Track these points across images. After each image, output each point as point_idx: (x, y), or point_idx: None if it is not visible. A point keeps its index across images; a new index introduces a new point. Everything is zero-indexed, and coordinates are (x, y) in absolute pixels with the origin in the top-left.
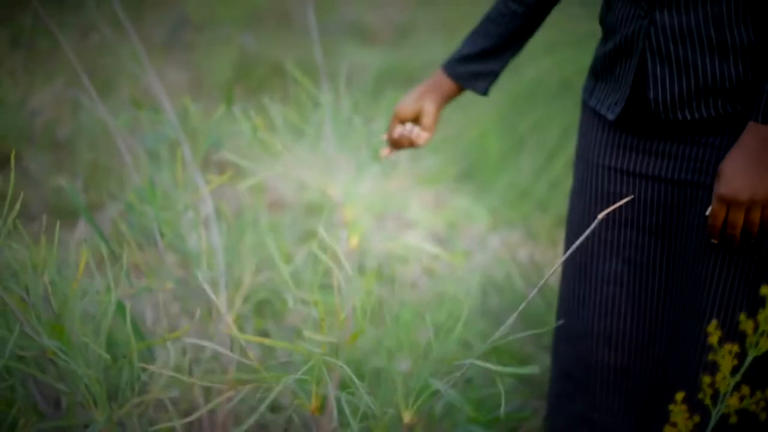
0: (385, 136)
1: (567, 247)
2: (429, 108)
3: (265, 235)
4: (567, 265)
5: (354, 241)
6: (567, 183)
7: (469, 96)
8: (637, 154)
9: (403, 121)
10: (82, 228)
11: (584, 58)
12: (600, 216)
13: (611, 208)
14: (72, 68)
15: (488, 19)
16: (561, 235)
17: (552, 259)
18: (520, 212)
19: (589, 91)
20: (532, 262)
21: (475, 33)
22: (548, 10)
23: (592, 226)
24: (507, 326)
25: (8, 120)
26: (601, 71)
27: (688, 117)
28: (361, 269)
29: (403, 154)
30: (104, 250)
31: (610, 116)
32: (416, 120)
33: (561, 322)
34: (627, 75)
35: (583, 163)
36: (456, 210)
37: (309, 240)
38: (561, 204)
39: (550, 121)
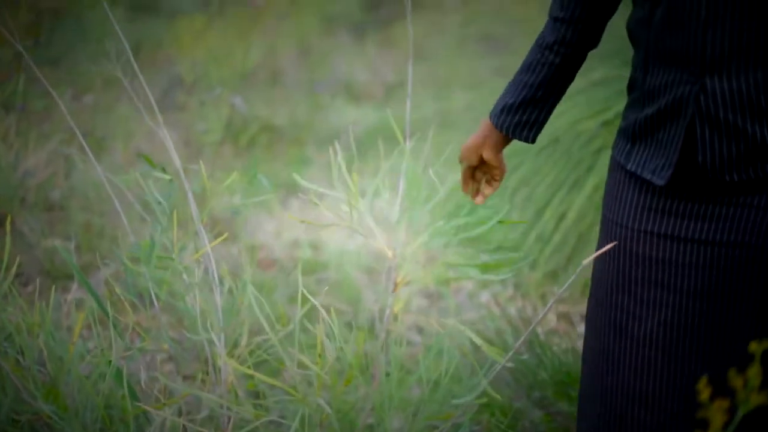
0: (463, 183)
1: (590, 306)
2: (489, 156)
3: (259, 296)
4: (600, 322)
5: (398, 306)
6: (556, 238)
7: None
8: (678, 219)
9: (472, 166)
10: (76, 290)
11: (572, 114)
12: (584, 262)
13: (595, 255)
14: (65, 129)
15: (524, 69)
16: (550, 290)
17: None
18: (510, 268)
19: (624, 154)
20: (522, 318)
21: (513, 83)
22: (584, 58)
23: (578, 271)
24: (494, 371)
25: (1, 182)
26: (640, 135)
27: (736, 178)
28: (350, 325)
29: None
30: (99, 313)
31: (660, 182)
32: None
33: (591, 379)
34: (675, 139)
35: (614, 226)
36: (446, 265)
37: (303, 299)
38: (550, 259)
39: (538, 177)
